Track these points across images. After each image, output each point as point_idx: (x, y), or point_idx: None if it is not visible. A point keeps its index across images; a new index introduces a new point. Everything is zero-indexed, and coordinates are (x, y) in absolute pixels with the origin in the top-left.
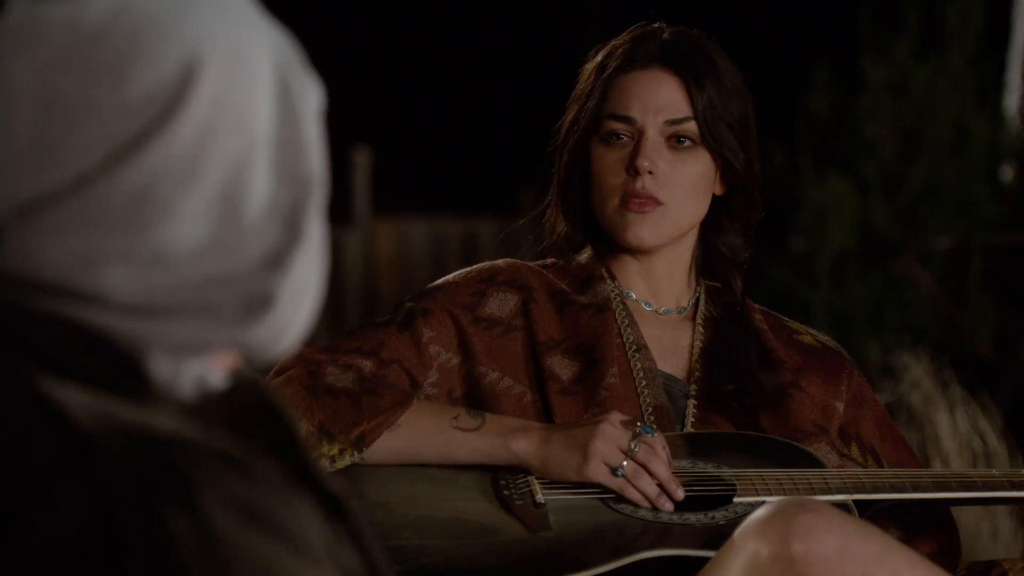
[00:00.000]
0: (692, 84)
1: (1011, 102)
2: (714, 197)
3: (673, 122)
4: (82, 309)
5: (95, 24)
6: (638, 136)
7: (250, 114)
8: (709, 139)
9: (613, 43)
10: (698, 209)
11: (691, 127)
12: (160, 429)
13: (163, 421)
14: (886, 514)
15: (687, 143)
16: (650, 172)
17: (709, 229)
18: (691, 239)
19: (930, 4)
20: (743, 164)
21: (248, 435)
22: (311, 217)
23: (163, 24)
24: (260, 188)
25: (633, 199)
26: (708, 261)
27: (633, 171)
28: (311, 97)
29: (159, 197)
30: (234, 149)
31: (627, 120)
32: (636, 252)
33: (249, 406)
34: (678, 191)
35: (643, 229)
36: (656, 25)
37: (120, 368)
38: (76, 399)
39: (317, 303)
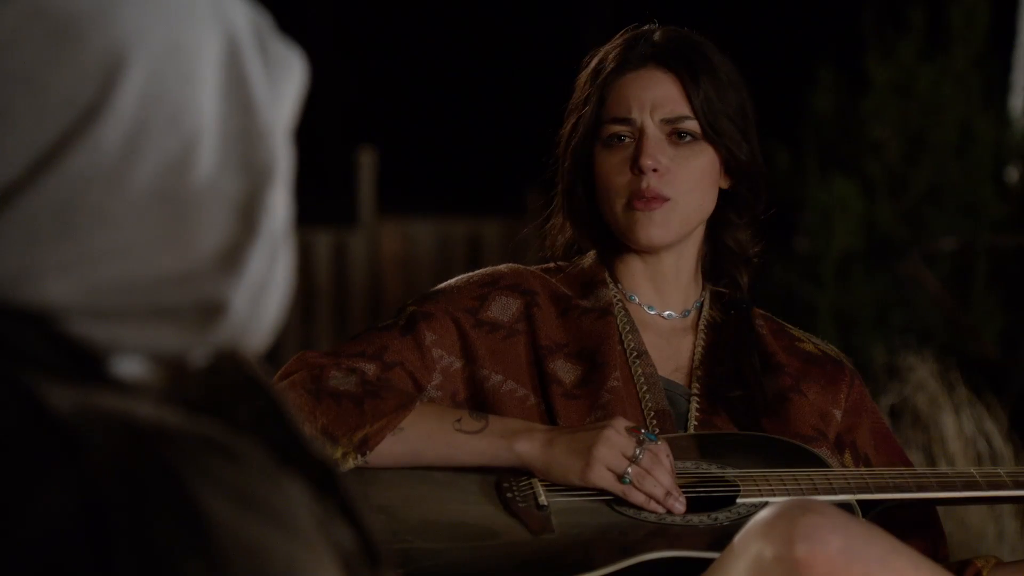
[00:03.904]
0: (687, 80)
1: (1017, 103)
2: (721, 192)
3: (671, 119)
4: (36, 320)
5: (6, 31)
6: (639, 135)
7: (189, 109)
8: (710, 133)
9: (605, 48)
10: (705, 203)
11: (691, 124)
12: (143, 417)
13: (145, 409)
14: (878, 518)
15: (688, 138)
16: (654, 169)
17: (717, 225)
18: (697, 236)
19: (935, 5)
20: (747, 154)
21: (230, 413)
22: (269, 208)
23: (81, 25)
24: (206, 183)
25: (639, 198)
26: (715, 259)
27: (637, 170)
28: (277, 82)
29: (90, 203)
30: (171, 147)
31: (626, 121)
32: (644, 253)
33: (229, 382)
34: (684, 186)
35: (652, 227)
36: (647, 27)
37: (90, 363)
38: (56, 391)
39: (283, 298)
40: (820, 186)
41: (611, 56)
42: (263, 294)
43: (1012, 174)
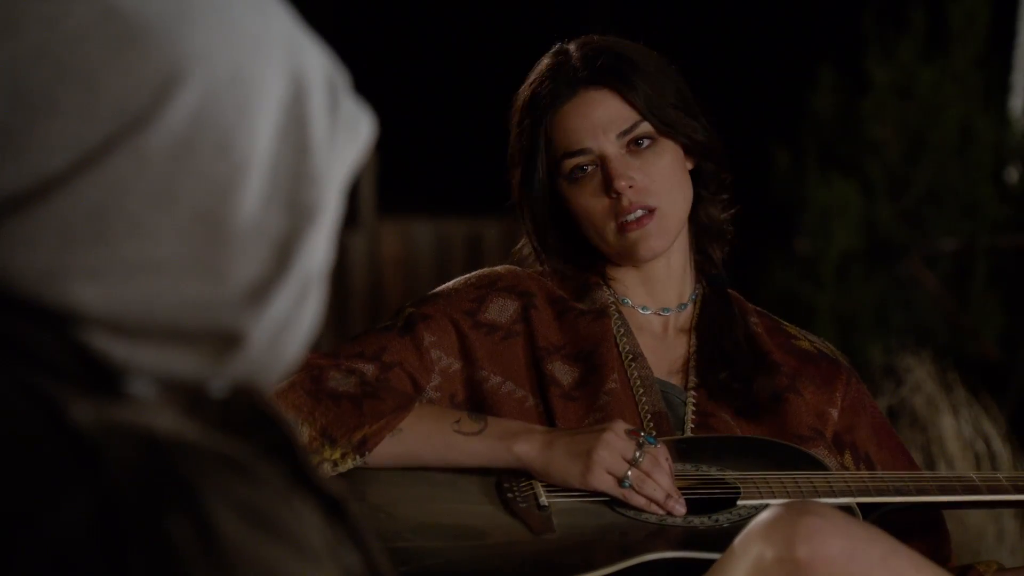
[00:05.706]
0: (623, 88)
1: (1016, 103)
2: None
3: (625, 132)
4: (60, 324)
5: (76, 25)
6: (601, 161)
7: (240, 139)
8: (663, 127)
9: (530, 85)
10: (687, 195)
11: (644, 128)
12: (162, 431)
13: (165, 423)
14: (879, 521)
15: (646, 143)
16: (630, 187)
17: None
18: (684, 230)
19: (935, 5)
20: (702, 133)
21: (246, 439)
22: (307, 249)
23: (149, 34)
24: (248, 214)
25: (627, 220)
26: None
27: (614, 194)
28: (340, 136)
29: (128, 212)
30: (217, 172)
31: (583, 152)
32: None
33: (244, 413)
34: (663, 188)
35: (652, 239)
36: (557, 47)
37: (108, 378)
38: (77, 402)
39: (305, 339)
40: (820, 186)
41: (542, 91)
42: (284, 332)
43: (1012, 174)
